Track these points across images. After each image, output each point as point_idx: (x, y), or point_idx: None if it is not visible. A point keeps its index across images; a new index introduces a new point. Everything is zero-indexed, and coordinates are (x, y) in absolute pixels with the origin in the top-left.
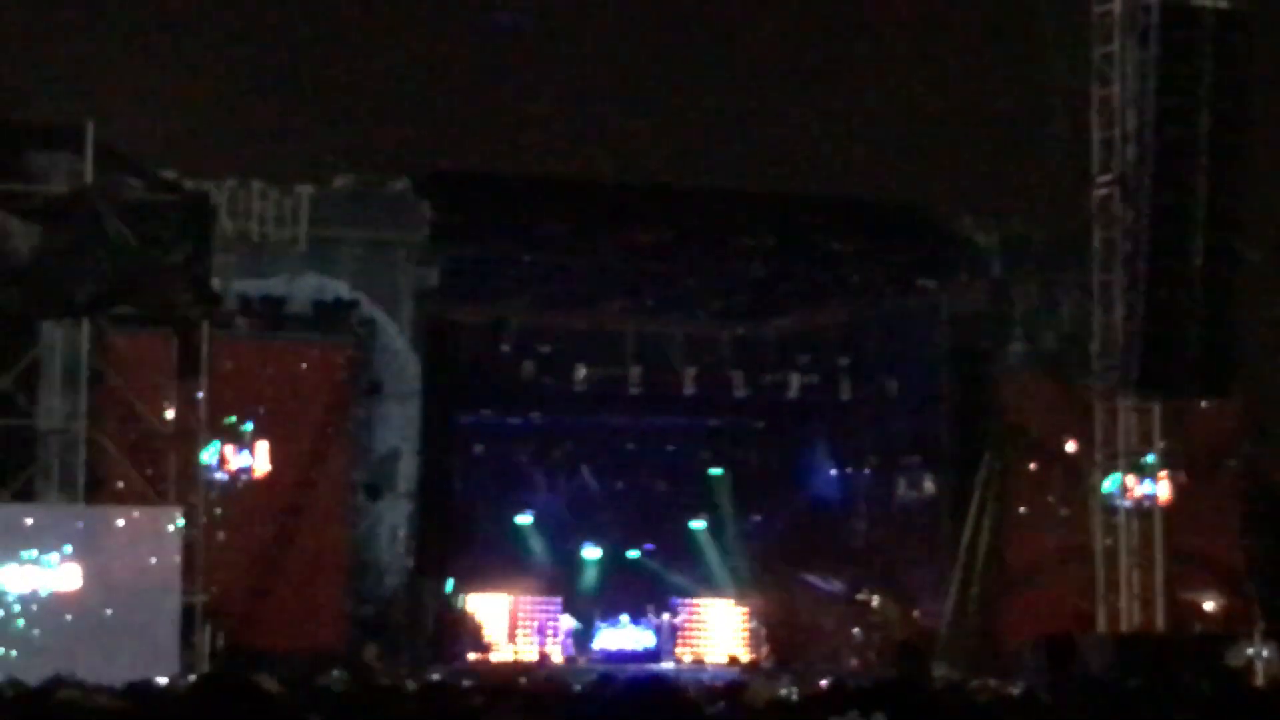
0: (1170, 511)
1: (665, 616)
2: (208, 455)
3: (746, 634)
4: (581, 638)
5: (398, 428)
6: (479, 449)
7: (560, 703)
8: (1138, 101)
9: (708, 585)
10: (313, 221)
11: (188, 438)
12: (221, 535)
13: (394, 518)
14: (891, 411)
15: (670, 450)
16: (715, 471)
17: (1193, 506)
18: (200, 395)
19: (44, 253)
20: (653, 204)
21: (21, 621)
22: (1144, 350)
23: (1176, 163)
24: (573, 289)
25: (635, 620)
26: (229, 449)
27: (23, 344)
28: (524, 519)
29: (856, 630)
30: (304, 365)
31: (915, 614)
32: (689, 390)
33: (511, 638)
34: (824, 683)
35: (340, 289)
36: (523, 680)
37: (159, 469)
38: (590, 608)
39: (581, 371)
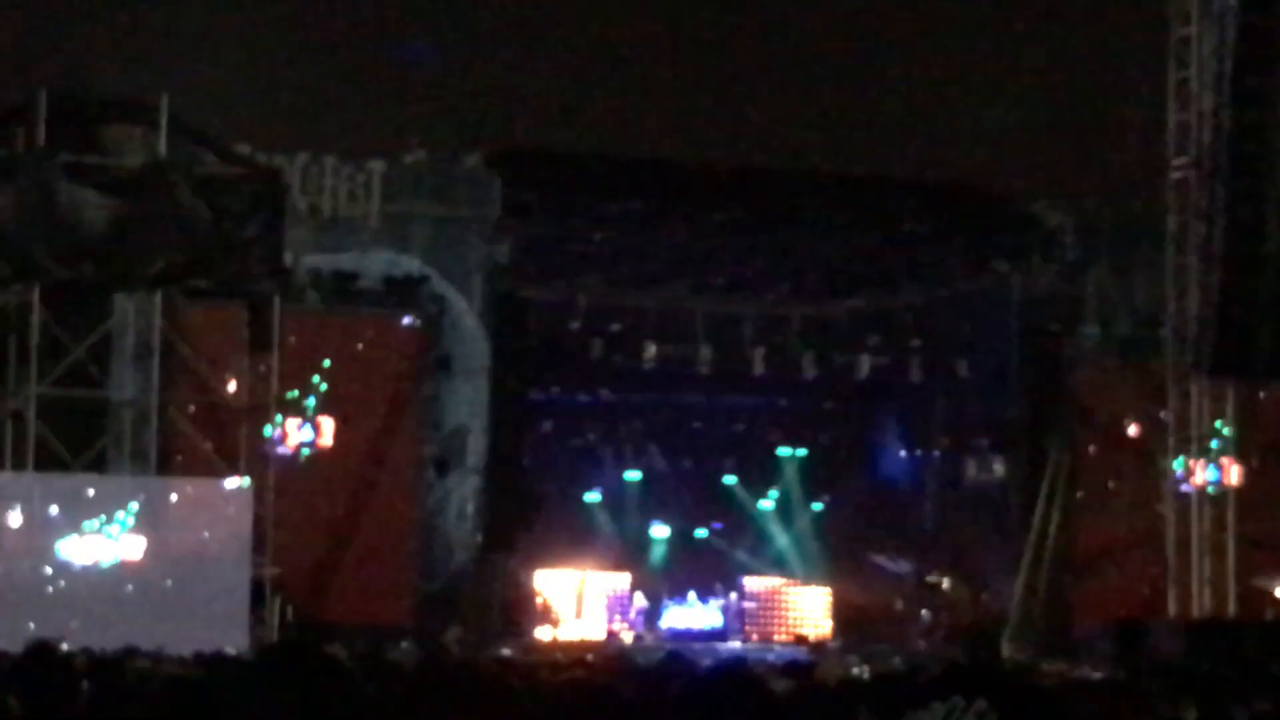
0: (1242, 497)
1: (732, 595)
2: (271, 429)
3: (814, 613)
4: (649, 616)
5: (467, 404)
6: (547, 426)
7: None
8: (1215, 84)
9: (775, 565)
10: (384, 197)
11: (258, 411)
12: (291, 509)
13: (462, 493)
14: (962, 393)
15: (738, 430)
16: (784, 451)
17: (1264, 492)
18: (270, 369)
19: (118, 226)
20: (724, 183)
21: (85, 592)
22: (1218, 334)
23: (1253, 146)
24: (643, 267)
25: (702, 599)
26: (291, 423)
27: (96, 316)
28: (592, 496)
29: (924, 612)
30: (374, 340)
31: (984, 596)
32: (758, 370)
33: (579, 615)
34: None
35: (411, 265)
36: (590, 657)
37: (229, 442)
38: (658, 586)
39: (651, 350)
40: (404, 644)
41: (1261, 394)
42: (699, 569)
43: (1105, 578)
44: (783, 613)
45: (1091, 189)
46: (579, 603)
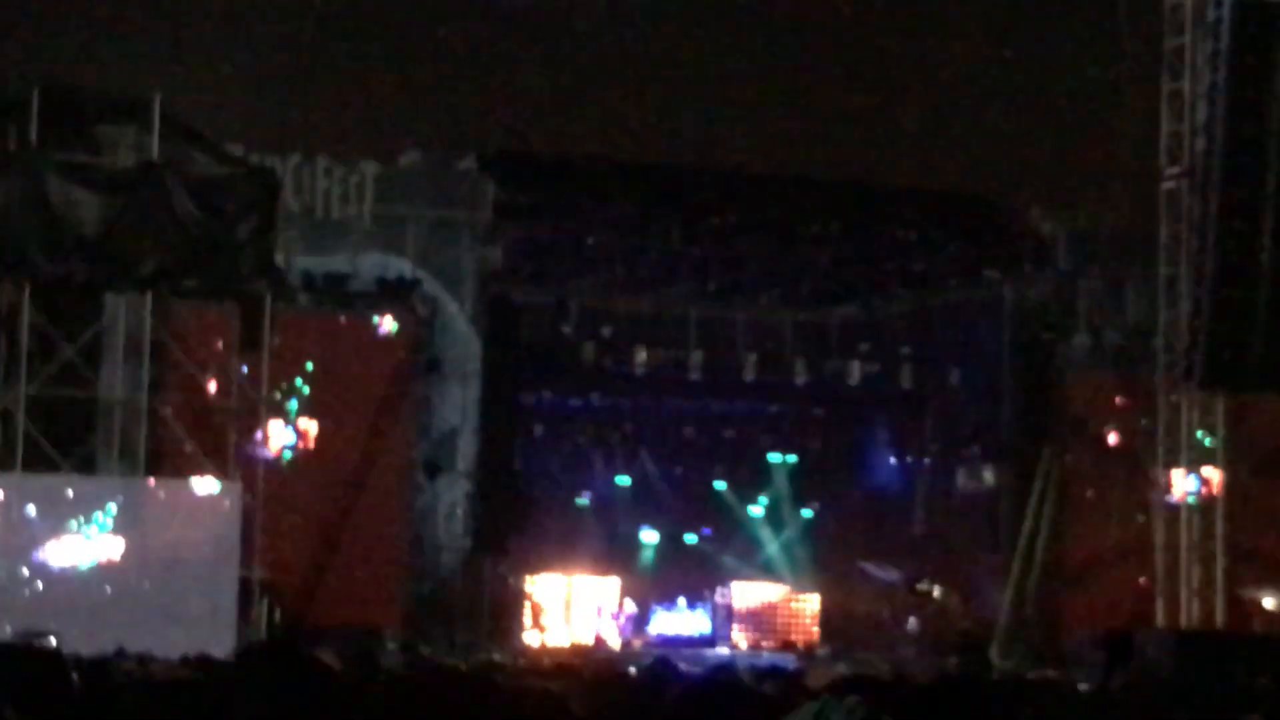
0: (1231, 508)
1: (721, 601)
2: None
3: (803, 620)
4: (638, 621)
5: (458, 407)
6: (538, 430)
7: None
8: (1208, 94)
9: (765, 572)
10: (377, 199)
11: (248, 412)
12: (280, 511)
13: (452, 496)
14: (953, 402)
15: (729, 436)
16: (774, 457)
17: (1254, 503)
18: (259, 370)
19: (110, 225)
20: (719, 189)
21: (64, 594)
22: (1209, 345)
23: (1246, 156)
24: (636, 272)
25: (691, 604)
26: (274, 425)
27: (87, 315)
28: (582, 500)
29: (912, 620)
30: (365, 343)
31: (973, 605)
32: (750, 376)
33: (568, 620)
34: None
35: (403, 267)
36: (579, 663)
37: (219, 443)
38: (647, 591)
39: (642, 354)
40: (389, 645)
41: (1254, 405)
42: (688, 574)
43: (1095, 587)
44: (771, 619)
45: (1084, 199)
46: (568, 607)
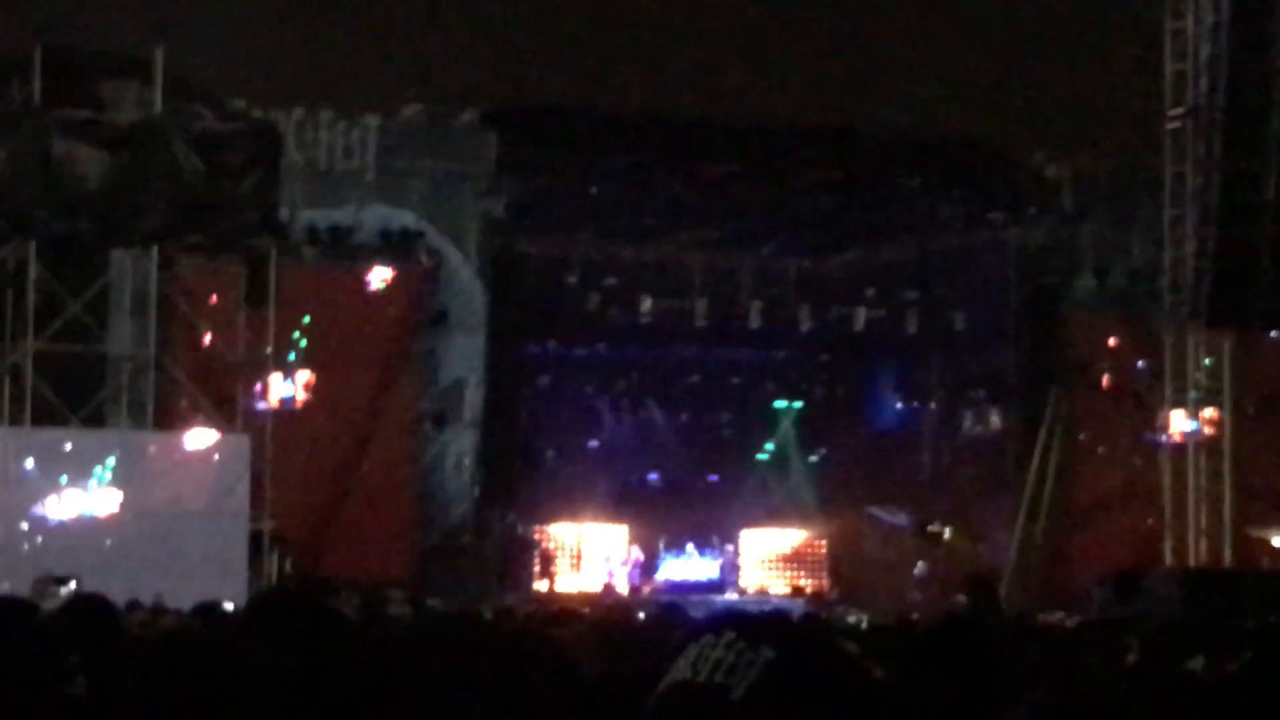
0: (1238, 447)
1: (730, 547)
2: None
3: (811, 565)
4: (646, 568)
5: (463, 358)
6: (544, 380)
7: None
8: (1211, 34)
9: (772, 518)
10: (380, 152)
11: (254, 365)
12: (289, 463)
13: (459, 447)
14: (958, 346)
15: (735, 383)
16: (780, 404)
17: (1261, 442)
18: (264, 323)
19: (113, 181)
20: (720, 137)
21: (62, 547)
22: (1214, 284)
23: (1249, 95)
24: (639, 221)
25: (700, 551)
26: (274, 378)
27: (93, 271)
28: (589, 450)
29: (920, 564)
30: (370, 295)
31: (981, 548)
32: (755, 323)
33: (576, 568)
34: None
35: (407, 219)
36: (586, 610)
37: (226, 396)
38: (655, 539)
39: (647, 304)
40: (394, 591)
41: (1260, 343)
42: (696, 521)
43: (1102, 528)
44: (780, 565)
45: (1088, 141)
46: (576, 556)
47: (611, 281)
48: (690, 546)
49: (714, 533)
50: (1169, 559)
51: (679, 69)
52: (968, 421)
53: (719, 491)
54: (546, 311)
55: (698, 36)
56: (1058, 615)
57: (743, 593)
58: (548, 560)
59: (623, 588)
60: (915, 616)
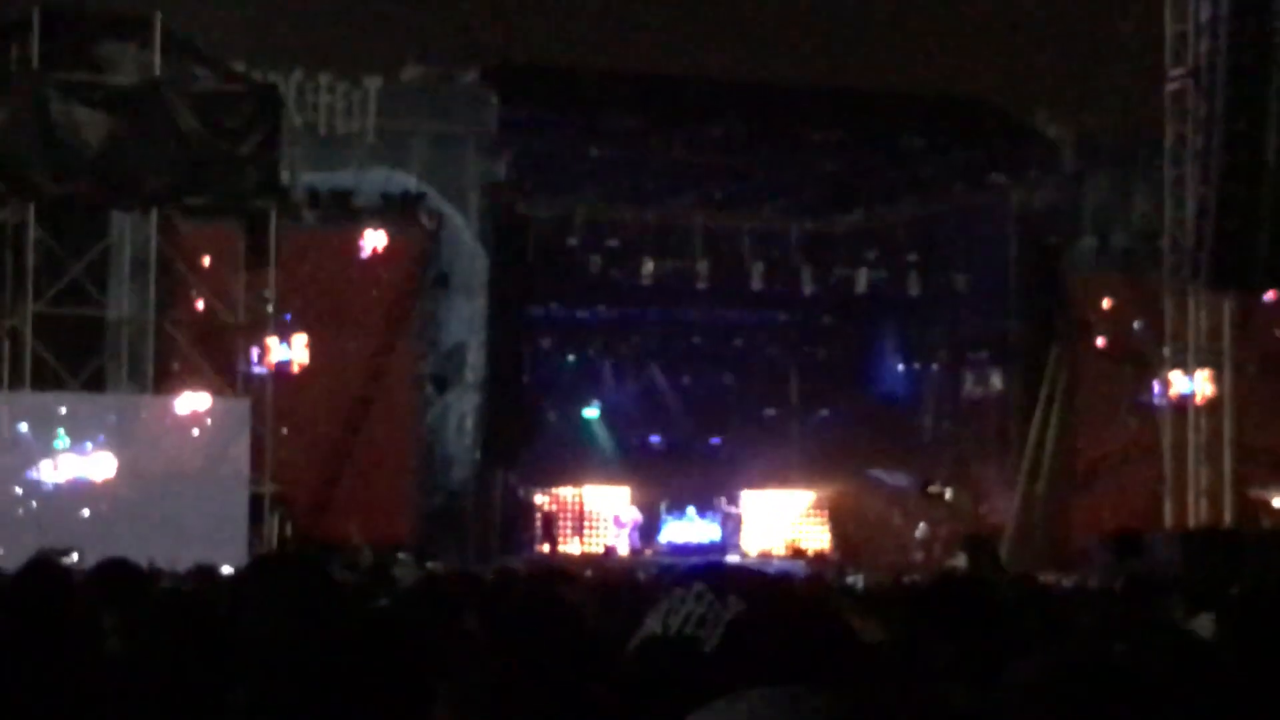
0: (1239, 407)
1: (731, 509)
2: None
3: (813, 527)
4: (647, 530)
5: (465, 320)
6: (546, 342)
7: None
8: None
9: (775, 479)
10: (381, 114)
11: (255, 328)
12: (290, 426)
13: (461, 409)
14: (960, 307)
15: (738, 345)
16: (783, 366)
17: (1262, 402)
18: (265, 286)
19: (113, 143)
20: (723, 98)
21: (61, 510)
22: (1215, 244)
23: (1250, 55)
24: (641, 183)
25: (701, 513)
26: (272, 341)
27: (93, 234)
28: (591, 412)
29: (922, 525)
30: (371, 257)
31: (982, 509)
32: (757, 285)
33: (578, 530)
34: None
35: (408, 181)
36: (588, 572)
37: (227, 359)
38: (656, 501)
39: (649, 265)
40: (400, 555)
41: (1261, 304)
42: (697, 483)
43: (1103, 488)
44: (782, 527)
45: (1090, 101)
46: (578, 518)
47: (613, 243)
48: (691, 509)
49: (716, 495)
50: (1169, 519)
51: (681, 30)
52: (969, 383)
53: (721, 453)
54: (548, 273)
55: None
56: (1058, 576)
57: (744, 555)
58: (550, 522)
59: (624, 549)
60: (914, 578)
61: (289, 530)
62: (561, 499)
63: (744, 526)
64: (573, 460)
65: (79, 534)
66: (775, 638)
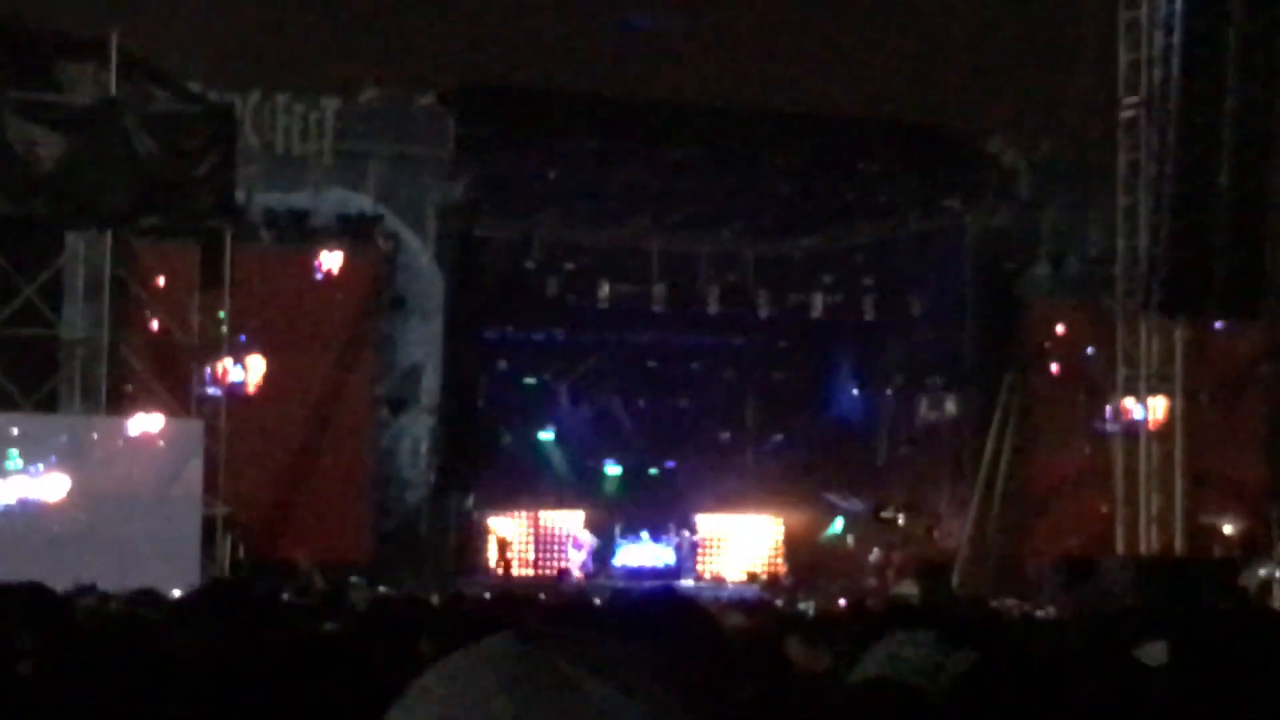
0: (1191, 434)
1: (685, 534)
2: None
3: (767, 552)
4: (601, 554)
5: (421, 342)
6: (502, 365)
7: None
8: (1165, 23)
9: (730, 503)
10: (338, 135)
11: (209, 349)
12: (244, 447)
13: (416, 432)
14: (915, 332)
15: (693, 368)
16: (737, 390)
17: (1213, 429)
18: (220, 307)
19: (69, 163)
20: (680, 121)
21: (11, 532)
22: (1168, 272)
23: (1203, 84)
24: (598, 205)
25: (655, 537)
26: (226, 362)
27: (47, 254)
28: (547, 435)
29: (875, 550)
30: (327, 279)
31: (935, 534)
32: (713, 308)
33: (532, 554)
34: (842, 602)
35: (365, 203)
36: (542, 596)
37: (181, 380)
38: (611, 524)
39: (606, 288)
40: (353, 578)
41: (1213, 331)
42: (652, 507)
43: (1056, 514)
44: (736, 551)
45: (1045, 128)
46: (532, 541)
47: (570, 266)
48: (645, 533)
49: (670, 519)
50: (1121, 546)
51: (639, 52)
52: (924, 407)
53: (676, 477)
54: (504, 296)
55: (659, 20)
56: (1010, 602)
57: (699, 578)
58: (504, 546)
59: (578, 574)
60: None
61: (241, 553)
62: (516, 522)
63: (699, 551)
64: (528, 484)
65: (29, 555)
66: (1005, 695)
